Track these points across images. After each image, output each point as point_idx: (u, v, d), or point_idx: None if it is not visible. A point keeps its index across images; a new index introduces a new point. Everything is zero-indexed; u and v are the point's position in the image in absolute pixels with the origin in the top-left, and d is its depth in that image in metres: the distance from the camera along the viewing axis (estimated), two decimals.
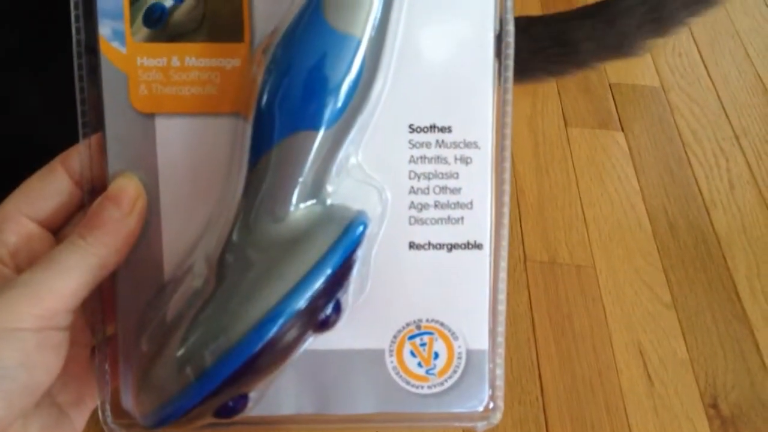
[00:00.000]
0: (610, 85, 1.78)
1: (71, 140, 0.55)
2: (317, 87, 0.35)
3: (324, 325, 0.38)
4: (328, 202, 0.37)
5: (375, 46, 0.36)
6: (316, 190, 0.37)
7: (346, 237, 0.36)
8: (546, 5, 1.96)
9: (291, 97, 0.35)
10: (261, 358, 0.36)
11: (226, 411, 0.38)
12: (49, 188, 0.39)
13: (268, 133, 0.35)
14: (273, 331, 0.35)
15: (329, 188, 0.37)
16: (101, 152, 0.38)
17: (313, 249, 0.36)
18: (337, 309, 0.38)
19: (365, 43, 0.35)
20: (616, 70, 1.81)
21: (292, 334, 0.36)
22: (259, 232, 0.36)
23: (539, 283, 1.39)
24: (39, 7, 0.55)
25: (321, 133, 0.35)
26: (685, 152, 1.65)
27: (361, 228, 0.37)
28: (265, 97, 0.35)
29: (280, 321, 0.35)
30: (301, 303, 0.36)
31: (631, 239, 1.48)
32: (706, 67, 1.84)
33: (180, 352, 0.36)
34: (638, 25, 0.67)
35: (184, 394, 0.36)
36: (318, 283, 0.36)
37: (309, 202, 0.37)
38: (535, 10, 1.96)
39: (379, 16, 0.35)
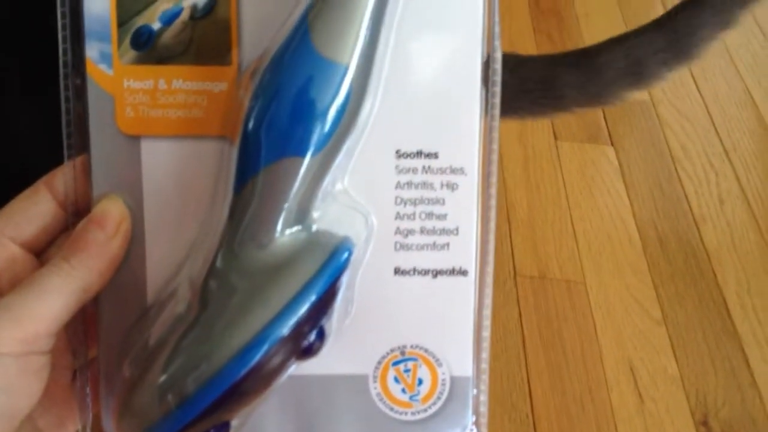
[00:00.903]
0: None
1: (61, 163, 0.55)
2: (304, 114, 0.34)
3: (307, 353, 0.37)
4: (314, 228, 0.37)
5: (362, 72, 0.36)
6: (301, 216, 0.36)
7: (330, 264, 0.36)
8: (538, 28, 1.96)
9: (277, 124, 0.35)
10: (243, 386, 0.35)
11: None
12: (33, 210, 0.38)
13: (254, 159, 0.35)
14: (256, 358, 0.35)
15: (315, 214, 0.37)
16: (86, 174, 0.38)
17: (297, 276, 0.35)
18: (321, 336, 0.38)
19: (353, 69, 0.35)
20: None
21: (276, 361, 0.36)
22: (243, 258, 0.36)
23: (529, 298, 1.39)
24: (32, 28, 0.55)
25: (307, 159, 0.35)
26: (675, 167, 1.66)
27: (346, 254, 0.37)
28: (251, 123, 0.35)
29: (263, 348, 0.35)
30: (285, 330, 0.35)
31: (621, 254, 1.48)
32: (695, 82, 1.85)
33: (162, 379, 0.35)
34: (619, 77, 0.70)
35: (165, 421, 0.35)
36: (302, 310, 0.35)
37: (294, 228, 0.36)
38: (527, 31, 1.97)
39: (366, 43, 0.35)
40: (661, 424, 1.25)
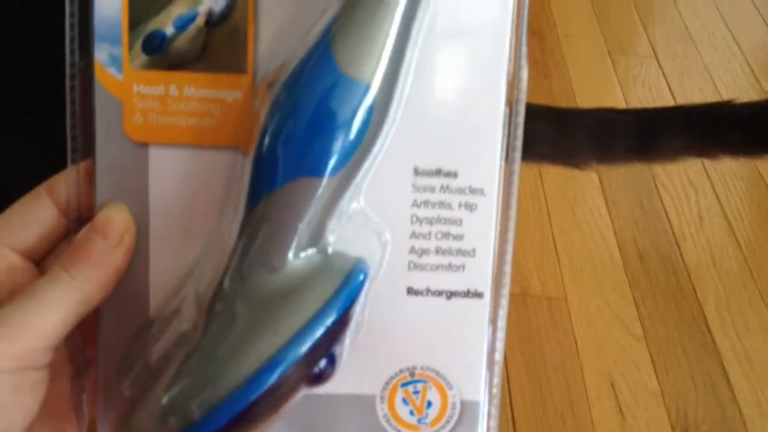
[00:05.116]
0: None
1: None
2: (323, 133, 0.33)
3: (317, 379, 0.36)
4: (329, 250, 0.35)
5: (386, 91, 0.34)
6: (315, 238, 0.35)
7: (345, 290, 0.35)
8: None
9: (294, 142, 0.33)
10: (251, 413, 0.34)
11: None
12: (33, 216, 0.37)
13: (269, 177, 0.34)
14: (265, 385, 0.33)
15: (330, 236, 0.35)
16: (90, 179, 0.36)
17: (310, 302, 0.34)
18: (332, 362, 0.36)
19: (376, 88, 0.33)
20: (587, 102, 1.83)
21: (285, 388, 0.34)
22: (254, 280, 0.34)
23: (511, 314, 1.39)
24: (25, 45, 0.53)
25: (324, 180, 0.33)
26: (655, 185, 1.67)
27: (361, 278, 0.35)
28: (267, 139, 0.33)
29: (273, 376, 0.33)
30: (296, 358, 0.34)
31: (602, 271, 1.49)
32: (675, 100, 1.86)
33: (164, 401, 0.34)
34: (587, 145, 0.70)
35: None
36: (315, 337, 0.34)
37: (307, 251, 0.35)
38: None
39: (391, 61, 0.34)
40: None
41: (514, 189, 0.37)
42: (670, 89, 1.89)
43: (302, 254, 0.35)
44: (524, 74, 0.37)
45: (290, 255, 0.34)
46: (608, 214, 1.59)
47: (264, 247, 0.34)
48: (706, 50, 2.01)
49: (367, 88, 0.33)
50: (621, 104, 1.85)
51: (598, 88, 1.91)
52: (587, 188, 1.64)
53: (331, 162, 0.33)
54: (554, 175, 1.65)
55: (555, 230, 1.54)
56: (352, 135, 0.33)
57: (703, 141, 0.71)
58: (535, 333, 1.37)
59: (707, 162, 1.71)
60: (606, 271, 1.49)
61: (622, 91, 1.90)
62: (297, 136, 0.33)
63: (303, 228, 0.34)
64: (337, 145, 0.33)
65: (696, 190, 1.67)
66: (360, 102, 0.33)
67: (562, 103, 1.83)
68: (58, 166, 0.52)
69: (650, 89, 1.89)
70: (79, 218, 0.37)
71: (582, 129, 0.71)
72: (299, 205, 0.34)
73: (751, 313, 1.45)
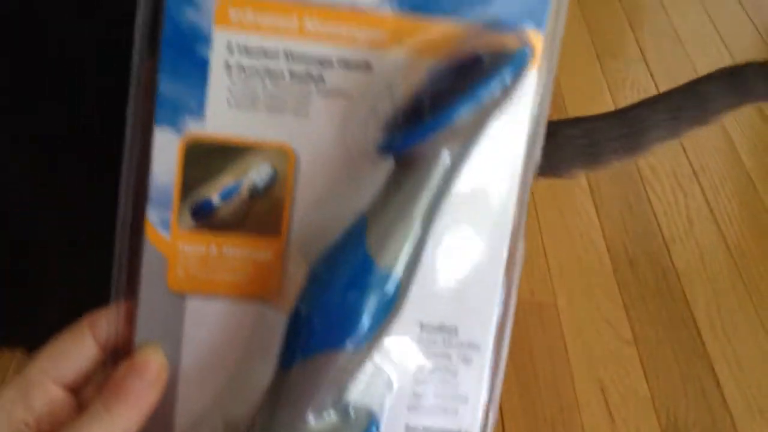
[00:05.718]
0: None
1: (51, 207, 0.54)
2: (354, 312, 0.37)
3: None
4: (350, 410, 0.40)
5: (409, 273, 0.38)
6: (337, 400, 0.39)
7: None
8: None
9: (328, 319, 0.37)
10: None
11: None
12: (76, 352, 0.40)
13: (302, 346, 0.38)
14: None
15: (351, 397, 0.40)
16: (129, 320, 0.40)
17: None
18: None
19: (402, 274, 0.37)
20: (575, 105, 1.83)
21: None
22: None
23: None
24: (25, 45, 0.53)
25: (352, 352, 0.37)
26: (644, 188, 1.67)
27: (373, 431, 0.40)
28: (304, 311, 0.38)
29: None
30: None
31: (592, 275, 1.49)
32: None
33: None
34: (576, 156, 0.74)
35: None
36: None
37: (330, 412, 0.39)
38: None
39: (416, 248, 0.38)
40: None
41: (506, 344, 0.43)
42: (659, 92, 1.89)
43: (324, 414, 0.39)
44: (521, 248, 0.42)
45: (312, 418, 0.38)
46: (597, 219, 1.60)
47: (291, 410, 0.39)
48: (695, 52, 2.02)
49: (397, 276, 0.38)
50: (610, 107, 1.85)
51: (587, 91, 1.91)
52: (576, 193, 1.64)
53: (359, 337, 0.37)
54: (543, 180, 1.64)
55: (544, 235, 1.55)
56: (380, 315, 0.38)
57: (692, 116, 0.74)
58: (525, 338, 1.37)
59: (696, 165, 1.72)
60: (596, 276, 1.49)
61: (611, 94, 1.90)
62: (330, 313, 0.37)
63: (327, 394, 0.38)
64: (366, 322, 0.37)
65: (685, 193, 1.68)
66: (389, 288, 0.38)
67: (551, 106, 1.83)
68: (58, 166, 0.53)
69: (639, 92, 1.90)
70: (115, 353, 0.41)
71: (570, 141, 0.73)
72: (327, 374, 0.38)
73: (740, 315, 1.46)
